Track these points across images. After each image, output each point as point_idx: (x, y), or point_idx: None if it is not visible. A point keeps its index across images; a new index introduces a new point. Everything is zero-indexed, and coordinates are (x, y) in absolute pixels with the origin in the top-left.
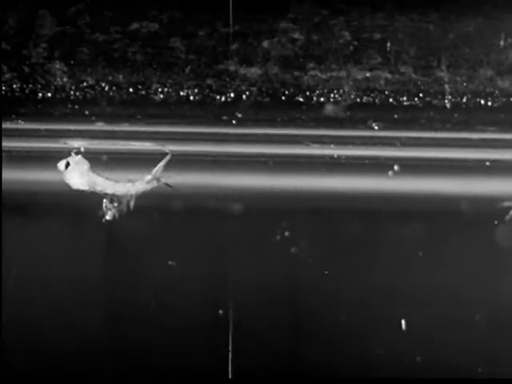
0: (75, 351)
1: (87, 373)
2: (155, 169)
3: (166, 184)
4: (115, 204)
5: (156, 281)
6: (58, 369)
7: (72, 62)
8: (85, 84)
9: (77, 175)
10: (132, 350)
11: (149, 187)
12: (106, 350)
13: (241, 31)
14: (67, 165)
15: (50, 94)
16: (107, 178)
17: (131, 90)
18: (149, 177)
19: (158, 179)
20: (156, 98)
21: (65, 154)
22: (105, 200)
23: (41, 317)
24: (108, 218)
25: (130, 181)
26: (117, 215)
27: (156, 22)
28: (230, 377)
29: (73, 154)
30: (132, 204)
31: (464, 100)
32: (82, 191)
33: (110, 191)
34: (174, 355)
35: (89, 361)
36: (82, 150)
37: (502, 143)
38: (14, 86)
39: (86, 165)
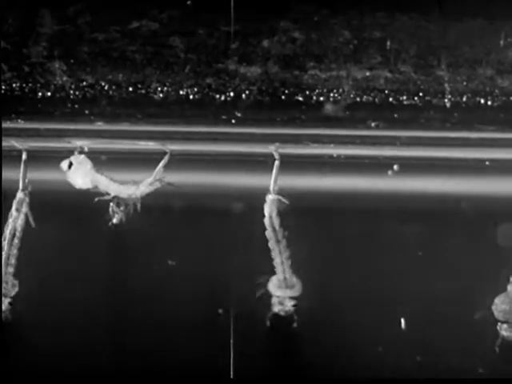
0: (77, 351)
1: (89, 372)
2: (156, 170)
3: (170, 184)
4: (122, 208)
5: (156, 281)
6: (59, 367)
7: (72, 61)
8: (84, 83)
9: (80, 175)
10: (134, 350)
11: (152, 189)
12: (107, 350)
13: (241, 30)
14: (70, 164)
15: (49, 93)
16: (111, 180)
17: (131, 89)
18: (151, 179)
19: (160, 180)
20: (156, 97)
21: (65, 153)
22: (111, 204)
23: (43, 317)
24: (115, 221)
25: (134, 183)
26: (124, 219)
27: (156, 21)
28: (231, 376)
29: (76, 154)
30: (138, 207)
31: (464, 99)
32: (83, 191)
33: (113, 192)
34: (176, 355)
35: (91, 360)
36: (86, 149)
37: (501, 142)
38: (14, 85)
39: (89, 164)
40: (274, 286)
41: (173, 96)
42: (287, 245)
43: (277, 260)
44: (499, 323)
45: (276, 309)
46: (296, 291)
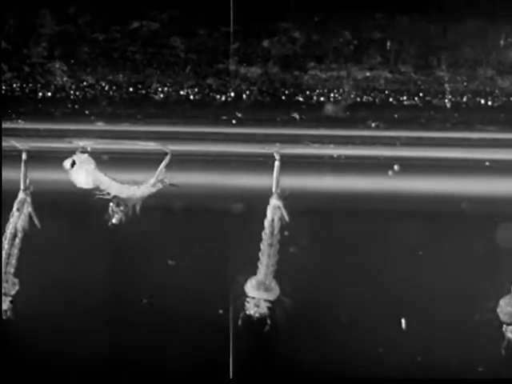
0: (77, 349)
1: (89, 371)
2: (157, 171)
3: (172, 184)
4: (121, 208)
5: (156, 281)
6: (59, 366)
7: (72, 61)
8: (85, 83)
9: (82, 174)
10: (133, 350)
11: (154, 190)
12: (107, 349)
13: (241, 30)
14: (73, 163)
15: (50, 94)
16: (114, 179)
17: (131, 89)
18: (153, 180)
19: (161, 181)
20: (156, 97)
21: (66, 153)
22: (111, 204)
23: (41, 316)
24: (114, 221)
25: (135, 184)
26: (123, 219)
27: (156, 21)
28: (230, 377)
29: (78, 153)
30: (138, 208)
31: (464, 99)
32: (83, 191)
33: (114, 192)
34: (175, 355)
35: (90, 359)
36: (89, 149)
37: (502, 143)
38: (14, 85)
39: (92, 164)
40: (251, 286)
41: (173, 96)
42: (278, 251)
43: (263, 262)
44: (505, 325)
45: (251, 311)
46: (273, 295)
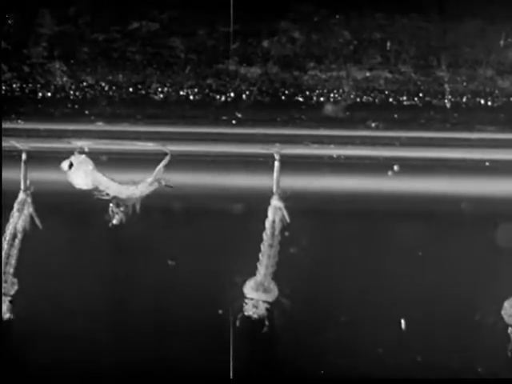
0: (77, 350)
1: (89, 371)
2: (156, 171)
3: (167, 185)
4: (121, 208)
5: (156, 281)
6: (59, 366)
7: (72, 61)
8: (84, 84)
9: (81, 175)
10: (133, 350)
11: (152, 189)
12: (107, 350)
13: (241, 30)
14: (71, 165)
15: (49, 94)
16: (112, 180)
17: (131, 89)
18: (150, 179)
19: (159, 181)
20: (156, 97)
21: (65, 153)
22: (111, 204)
23: (41, 316)
24: (115, 222)
25: (133, 183)
26: (123, 219)
27: (156, 22)
28: (231, 377)
29: (76, 154)
30: (138, 207)
31: (464, 100)
32: (83, 191)
33: (113, 193)
34: (175, 356)
35: (90, 359)
36: (87, 149)
37: (501, 143)
38: (14, 85)
39: (90, 164)
40: (250, 287)
41: (173, 96)
42: (278, 251)
43: (263, 263)
44: (510, 327)
45: (249, 312)
46: (271, 296)
